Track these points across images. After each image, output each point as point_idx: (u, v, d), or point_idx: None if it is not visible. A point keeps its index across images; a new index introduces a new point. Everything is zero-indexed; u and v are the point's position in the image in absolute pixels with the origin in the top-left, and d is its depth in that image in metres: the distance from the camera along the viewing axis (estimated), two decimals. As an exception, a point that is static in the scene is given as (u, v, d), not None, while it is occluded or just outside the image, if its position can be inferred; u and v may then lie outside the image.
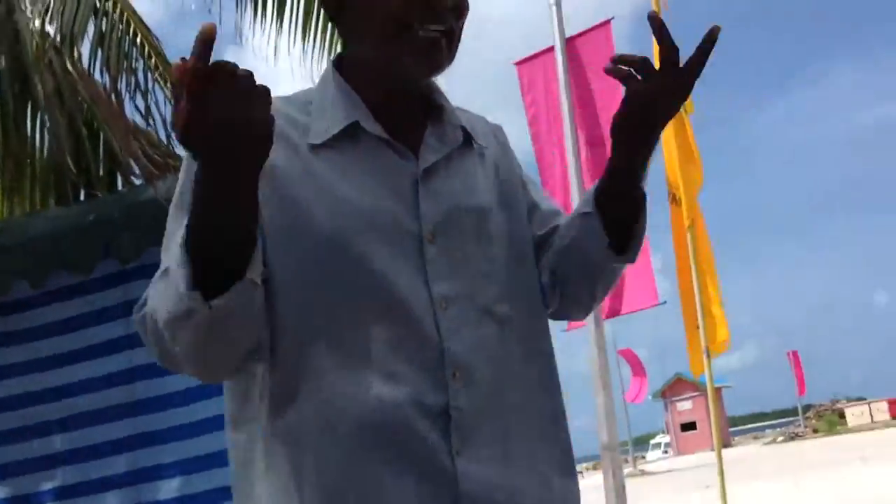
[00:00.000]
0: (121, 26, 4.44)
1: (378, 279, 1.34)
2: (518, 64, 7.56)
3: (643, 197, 1.53)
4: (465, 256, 1.42)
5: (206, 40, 1.08)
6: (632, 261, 1.56)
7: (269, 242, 1.34)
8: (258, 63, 5.84)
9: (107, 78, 4.38)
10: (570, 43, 7.09)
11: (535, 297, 1.54)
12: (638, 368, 43.76)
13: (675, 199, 7.20)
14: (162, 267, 1.34)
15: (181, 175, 1.43)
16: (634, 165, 1.49)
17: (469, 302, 1.39)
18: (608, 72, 1.44)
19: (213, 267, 1.22)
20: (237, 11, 5.60)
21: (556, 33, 6.92)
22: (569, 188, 6.79)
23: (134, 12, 4.52)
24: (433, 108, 1.52)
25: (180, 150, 4.22)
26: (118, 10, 4.48)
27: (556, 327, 1.62)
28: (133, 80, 4.23)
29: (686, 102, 6.44)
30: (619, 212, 1.51)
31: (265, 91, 1.15)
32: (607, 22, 7.37)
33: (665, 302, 7.35)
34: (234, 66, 1.11)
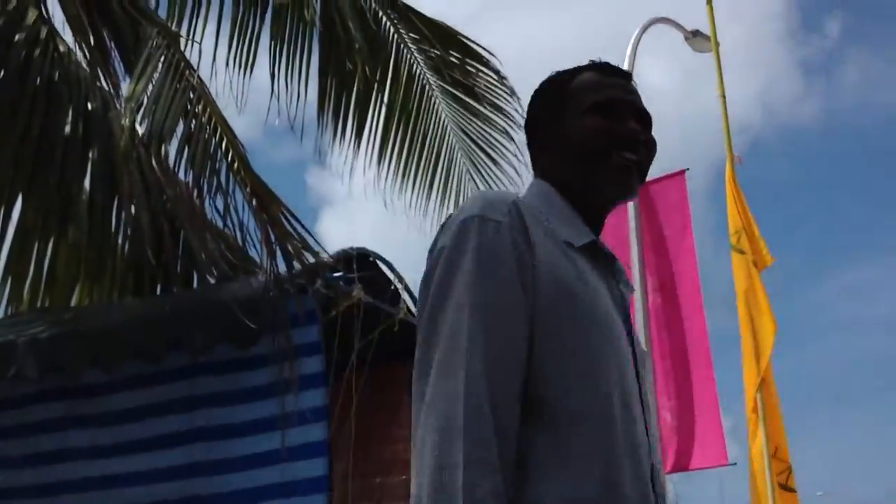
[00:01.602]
0: (208, 128, 4.63)
1: (627, 383, 1.50)
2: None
3: None
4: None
5: None
6: None
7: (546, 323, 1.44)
8: (334, 180, 6.12)
9: (190, 176, 4.56)
10: (643, 189, 7.20)
11: None
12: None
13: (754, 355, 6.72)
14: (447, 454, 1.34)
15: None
16: None
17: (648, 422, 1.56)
18: None
19: None
20: (318, 131, 5.92)
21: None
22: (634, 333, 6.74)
23: (221, 116, 4.73)
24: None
25: (254, 254, 4.39)
26: (207, 113, 4.69)
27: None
28: (215, 181, 4.39)
29: (759, 257, 6.24)
30: None
31: None
32: (682, 172, 7.51)
33: (735, 464, 6.93)
34: None
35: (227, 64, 5.66)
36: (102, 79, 5.43)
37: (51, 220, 5.21)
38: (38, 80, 5.12)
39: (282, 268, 4.04)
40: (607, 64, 1.68)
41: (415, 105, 6.06)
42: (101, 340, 4.23)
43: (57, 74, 5.25)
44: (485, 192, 1.60)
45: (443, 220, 1.61)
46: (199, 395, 4.12)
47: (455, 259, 1.44)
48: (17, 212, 5.22)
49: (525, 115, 1.78)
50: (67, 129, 5.19)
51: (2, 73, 5.15)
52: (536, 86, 1.74)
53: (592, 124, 1.60)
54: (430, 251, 1.52)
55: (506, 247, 1.44)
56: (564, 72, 1.70)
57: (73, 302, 5.24)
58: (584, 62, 1.70)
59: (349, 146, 6.03)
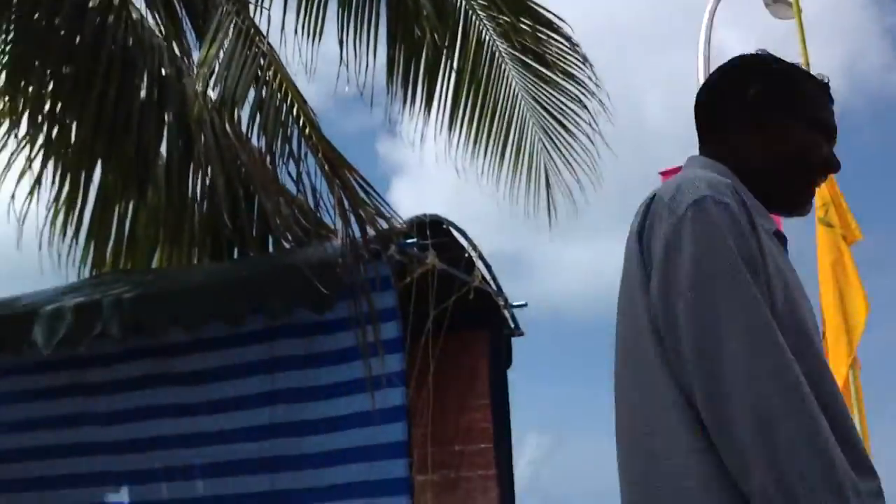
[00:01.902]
0: (279, 94, 4.69)
1: (830, 378, 1.49)
2: (663, 174, 7.52)
3: None
4: None
5: None
6: None
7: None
8: (404, 149, 6.16)
9: (262, 142, 4.63)
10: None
11: None
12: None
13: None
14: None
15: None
16: None
17: None
18: None
19: None
20: (388, 99, 5.96)
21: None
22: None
23: (291, 83, 4.78)
24: None
25: (328, 220, 4.46)
26: (277, 80, 4.75)
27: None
28: (287, 147, 4.46)
29: (847, 231, 5.97)
30: None
31: None
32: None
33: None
34: None
35: (296, 32, 5.70)
36: (175, 45, 5.52)
37: (130, 184, 5.38)
38: (113, 47, 5.23)
39: (355, 234, 4.09)
40: (829, 86, 1.70)
41: (484, 72, 6.05)
42: (181, 302, 4.36)
43: (131, 41, 5.36)
44: (693, 174, 1.54)
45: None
46: (278, 357, 4.25)
47: (709, 236, 1.42)
48: (98, 176, 5.39)
49: (706, 82, 1.76)
50: (143, 94, 5.32)
51: (77, 39, 5.27)
52: (744, 58, 1.73)
53: (817, 144, 1.64)
54: (640, 233, 1.51)
55: (745, 227, 1.46)
56: (793, 67, 1.71)
57: (154, 264, 5.40)
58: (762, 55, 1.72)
59: (419, 114, 6.06)
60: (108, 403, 4.53)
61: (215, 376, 4.36)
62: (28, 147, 5.21)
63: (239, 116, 4.98)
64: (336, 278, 3.89)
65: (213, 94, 4.93)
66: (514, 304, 5.15)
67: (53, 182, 5.23)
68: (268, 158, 4.64)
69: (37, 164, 5.22)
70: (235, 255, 5.18)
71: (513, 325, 5.13)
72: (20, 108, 5.28)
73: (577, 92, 5.98)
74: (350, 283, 3.84)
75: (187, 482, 4.27)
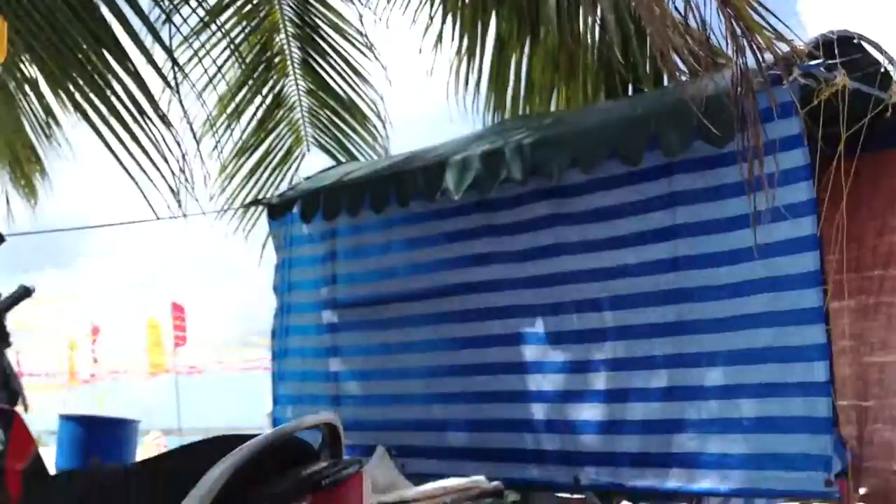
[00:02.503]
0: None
1: None
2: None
3: None
4: None
5: None
6: None
7: None
8: None
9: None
10: None
11: None
12: None
13: None
14: None
15: None
16: None
17: None
18: None
19: None
20: None
21: None
22: None
23: None
24: None
25: (723, 48, 4.25)
26: None
27: None
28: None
29: None
30: None
31: None
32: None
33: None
34: None
35: None
36: None
37: (522, 28, 5.51)
38: None
39: (751, 62, 3.89)
40: None
41: None
42: (579, 143, 4.45)
43: None
44: None
45: None
46: (678, 192, 4.22)
47: None
48: (493, 25, 5.59)
49: None
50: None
51: None
52: None
53: None
54: None
55: None
56: None
57: (552, 107, 5.55)
58: None
59: None
60: (515, 243, 4.80)
61: (615, 214, 4.44)
62: (429, 5, 5.51)
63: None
64: (732, 109, 3.73)
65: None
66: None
67: (453, 36, 5.50)
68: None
69: (437, 20, 5.51)
70: (630, 93, 5.15)
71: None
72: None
73: None
74: (746, 114, 3.67)
75: (595, 314, 4.45)
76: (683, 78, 4.58)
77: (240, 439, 1.67)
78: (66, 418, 7.17)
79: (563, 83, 5.40)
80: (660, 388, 4.18)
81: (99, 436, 6.96)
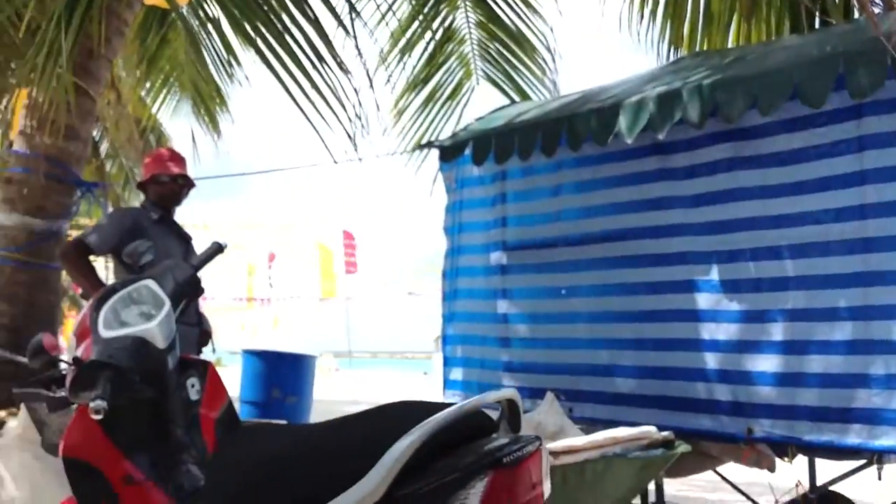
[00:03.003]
0: None
1: None
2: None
3: None
4: None
5: None
6: None
7: None
8: None
9: None
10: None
11: None
12: None
13: None
14: None
15: None
16: None
17: None
18: None
19: None
20: None
21: None
22: None
23: None
24: None
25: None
26: None
27: None
28: None
29: None
30: None
31: None
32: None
33: None
34: None
35: None
36: None
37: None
38: None
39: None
40: None
41: None
42: (760, 84, 4.24)
43: None
44: None
45: None
46: (866, 135, 3.99)
47: None
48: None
49: None
50: None
51: None
52: None
53: None
54: None
55: None
56: None
57: (730, 42, 5.31)
58: None
59: None
60: (692, 187, 4.67)
61: (798, 157, 4.25)
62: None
63: None
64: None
65: None
66: None
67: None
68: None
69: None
70: (816, 26, 4.86)
71: None
72: None
73: None
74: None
75: (774, 262, 4.30)
76: (876, 11, 4.30)
77: (423, 407, 1.72)
78: (250, 353, 7.58)
79: (744, 17, 5.14)
80: (843, 341, 4.02)
81: (279, 370, 7.34)
